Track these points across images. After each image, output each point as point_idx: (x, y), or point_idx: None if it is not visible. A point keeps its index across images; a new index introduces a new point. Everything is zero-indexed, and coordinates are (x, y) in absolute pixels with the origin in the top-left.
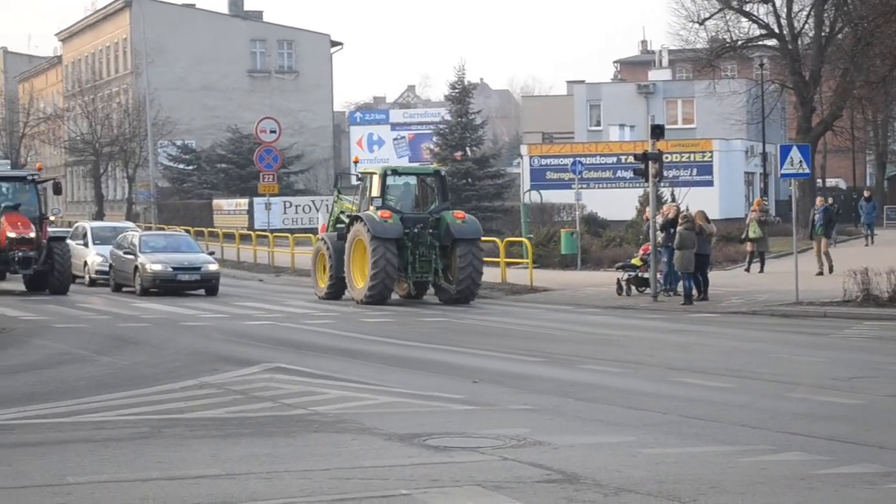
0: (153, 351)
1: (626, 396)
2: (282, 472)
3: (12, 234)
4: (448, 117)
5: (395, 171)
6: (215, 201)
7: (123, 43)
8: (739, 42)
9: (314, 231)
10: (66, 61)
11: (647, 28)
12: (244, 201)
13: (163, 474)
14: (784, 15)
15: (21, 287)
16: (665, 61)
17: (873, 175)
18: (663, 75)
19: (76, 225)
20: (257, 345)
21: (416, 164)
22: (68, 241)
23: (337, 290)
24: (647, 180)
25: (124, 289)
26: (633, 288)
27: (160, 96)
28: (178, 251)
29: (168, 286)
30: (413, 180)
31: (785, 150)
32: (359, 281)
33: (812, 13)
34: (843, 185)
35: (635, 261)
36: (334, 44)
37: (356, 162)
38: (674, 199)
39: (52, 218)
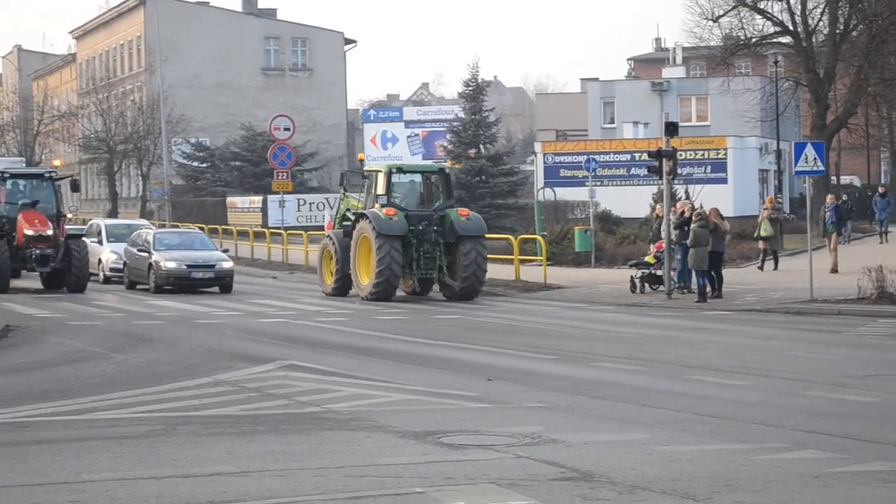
0: (168, 348)
1: (641, 394)
2: (296, 470)
3: (30, 232)
4: (462, 115)
5: (401, 169)
6: (229, 199)
7: (137, 41)
8: (754, 39)
9: None
10: (80, 59)
11: (661, 25)
12: (258, 199)
13: (178, 472)
14: (798, 12)
15: (38, 285)
16: (679, 58)
17: (888, 172)
18: (677, 72)
19: (90, 222)
20: (271, 342)
21: (420, 162)
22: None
23: (343, 286)
24: (661, 178)
25: (138, 286)
26: (646, 286)
27: (174, 94)
28: (192, 249)
29: (182, 284)
30: (418, 178)
31: (799, 148)
32: (364, 277)
33: (826, 10)
34: (857, 182)
35: (649, 258)
36: (348, 41)
37: (361, 160)
38: (688, 197)
39: (69, 215)
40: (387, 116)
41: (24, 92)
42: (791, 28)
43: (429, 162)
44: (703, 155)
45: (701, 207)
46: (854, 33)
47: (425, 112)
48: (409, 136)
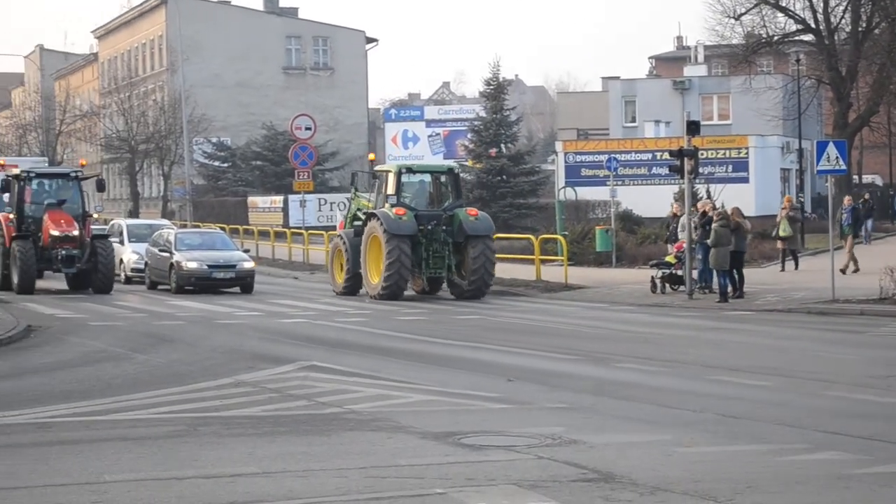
0: (189, 349)
1: (662, 395)
2: (317, 471)
3: (56, 232)
4: (483, 114)
5: (410, 170)
6: (250, 199)
7: (159, 40)
8: (775, 37)
9: None
10: (101, 59)
11: (683, 23)
12: (279, 198)
13: (199, 472)
14: (820, 10)
15: (63, 286)
16: (701, 57)
17: None
18: (699, 71)
19: (112, 222)
20: (292, 343)
21: (430, 162)
22: None
23: (353, 285)
24: (682, 177)
25: (160, 286)
26: (667, 286)
27: (195, 93)
28: (213, 249)
29: (203, 284)
30: (427, 178)
31: (821, 147)
32: (374, 276)
33: (849, 8)
34: (879, 181)
35: (669, 258)
36: (369, 40)
37: (372, 160)
38: (709, 196)
39: (95, 215)
40: (408, 116)
41: (46, 92)
42: (813, 26)
43: (450, 161)
44: (724, 154)
45: (722, 207)
46: (876, 31)
47: (446, 111)
48: (430, 136)
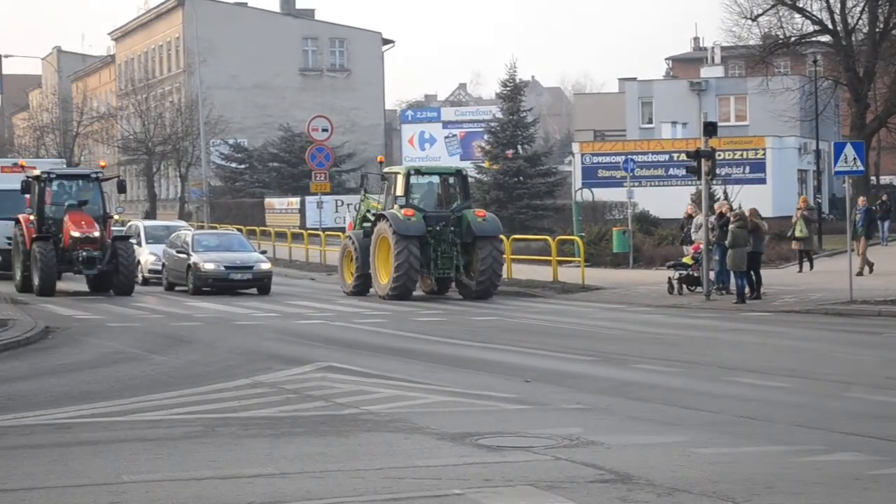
0: (206, 350)
1: (680, 396)
2: (335, 472)
3: (76, 234)
4: (499, 115)
5: (419, 171)
6: (267, 200)
7: (176, 42)
8: (793, 38)
9: None
10: (119, 60)
11: (700, 24)
12: (296, 200)
13: (216, 473)
14: (838, 11)
15: (84, 288)
16: (717, 58)
17: None
18: (716, 72)
19: (129, 224)
20: (309, 344)
21: (438, 164)
22: None
23: (363, 285)
24: (699, 178)
25: (177, 288)
26: (684, 287)
27: (212, 95)
28: (230, 250)
29: (221, 285)
30: (436, 180)
31: (839, 147)
32: (383, 277)
33: (866, 9)
34: None
35: (687, 259)
36: (386, 42)
37: (381, 162)
38: (726, 197)
39: (116, 217)
40: (424, 117)
41: (64, 93)
42: (830, 27)
43: (467, 163)
44: (741, 155)
45: (739, 208)
46: (894, 32)
47: (463, 112)
48: (446, 137)
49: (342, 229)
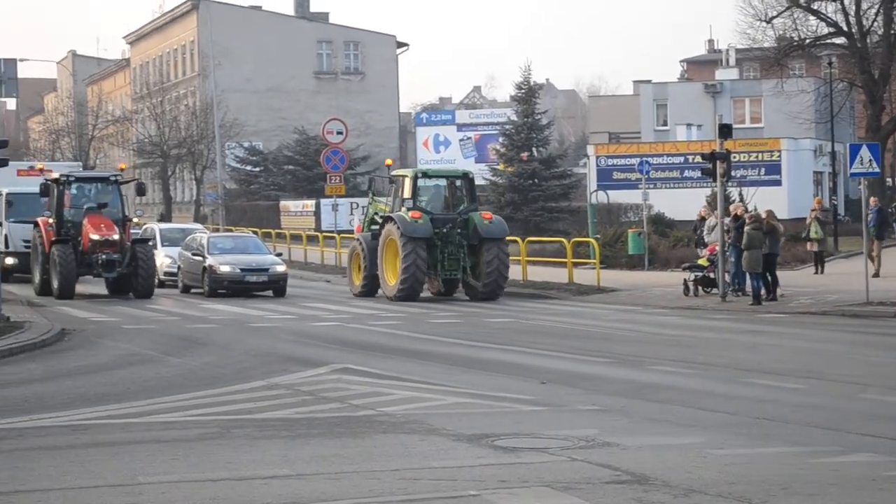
0: (222, 352)
1: (696, 397)
2: (350, 473)
3: (95, 237)
4: (514, 118)
5: (426, 174)
6: (282, 203)
7: (191, 45)
8: (807, 40)
9: None
10: (133, 64)
11: (714, 27)
12: (311, 203)
13: (232, 474)
14: (853, 13)
15: (102, 290)
16: (732, 60)
17: None
18: (730, 74)
19: (145, 227)
20: (325, 346)
21: (445, 167)
22: None
23: (371, 287)
24: (714, 180)
25: (192, 290)
26: (699, 289)
27: (227, 98)
28: (245, 252)
29: (236, 287)
30: (443, 182)
31: (854, 149)
32: (391, 278)
33: (881, 10)
34: None
35: (702, 261)
36: (400, 45)
37: (389, 165)
38: (741, 199)
39: (135, 220)
40: (439, 120)
41: (79, 97)
42: (845, 29)
43: (482, 166)
44: (756, 157)
45: (755, 210)
46: None
47: (477, 115)
48: (461, 140)
49: None
